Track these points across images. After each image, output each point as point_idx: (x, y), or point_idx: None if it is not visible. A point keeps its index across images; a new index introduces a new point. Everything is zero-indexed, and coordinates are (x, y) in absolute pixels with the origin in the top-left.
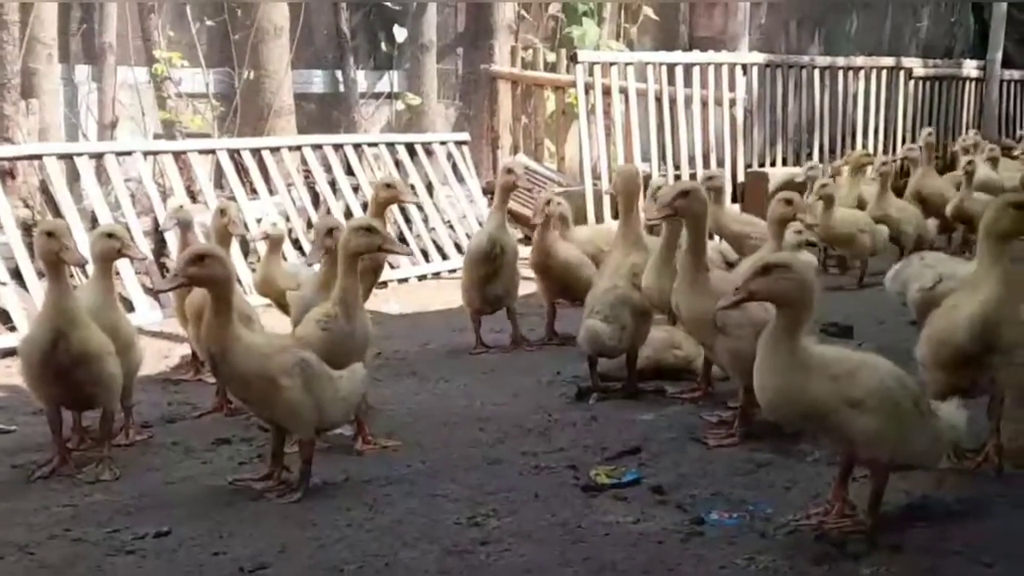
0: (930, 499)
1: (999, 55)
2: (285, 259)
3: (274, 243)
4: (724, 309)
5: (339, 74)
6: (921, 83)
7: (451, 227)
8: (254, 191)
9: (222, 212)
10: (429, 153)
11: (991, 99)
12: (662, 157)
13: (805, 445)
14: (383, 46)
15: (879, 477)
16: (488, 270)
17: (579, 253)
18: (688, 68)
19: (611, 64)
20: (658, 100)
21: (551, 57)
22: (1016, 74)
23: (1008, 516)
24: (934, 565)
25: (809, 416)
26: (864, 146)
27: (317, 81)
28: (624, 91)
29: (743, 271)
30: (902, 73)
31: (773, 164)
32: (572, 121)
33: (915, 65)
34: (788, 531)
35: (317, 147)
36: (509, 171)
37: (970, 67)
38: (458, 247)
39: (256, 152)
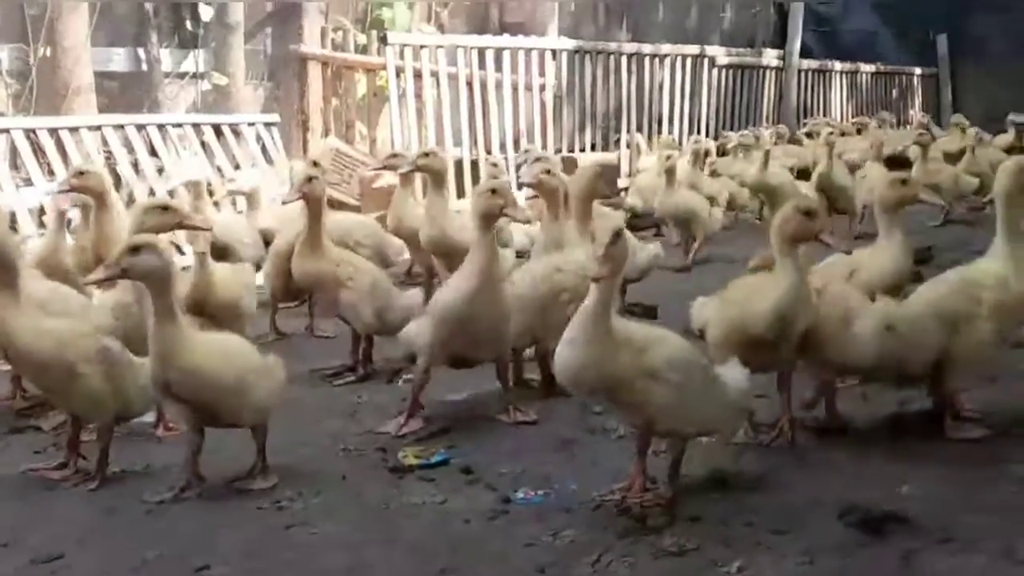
0: (728, 472)
1: (797, 45)
2: None
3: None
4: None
5: (141, 52)
6: (724, 71)
7: None
8: (51, 173)
9: None
10: (237, 135)
11: (790, 88)
12: (473, 141)
13: (610, 423)
14: (188, 24)
15: (677, 449)
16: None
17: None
18: (499, 52)
19: (422, 47)
20: (469, 84)
21: (362, 39)
22: (814, 64)
23: (800, 486)
24: (730, 535)
25: (611, 388)
26: (670, 132)
27: (118, 59)
28: (435, 74)
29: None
30: (706, 61)
31: (583, 150)
32: (384, 104)
33: (718, 54)
34: (593, 507)
35: (119, 127)
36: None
37: (771, 56)
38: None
39: (54, 132)
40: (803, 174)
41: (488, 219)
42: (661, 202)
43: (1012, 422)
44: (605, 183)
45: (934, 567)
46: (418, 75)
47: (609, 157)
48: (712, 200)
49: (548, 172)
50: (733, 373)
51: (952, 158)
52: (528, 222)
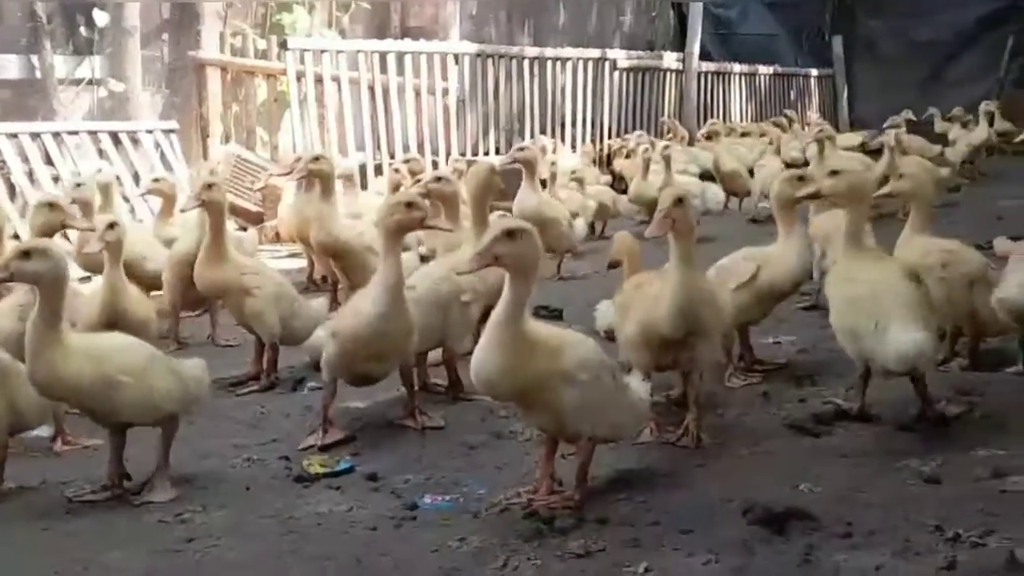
0: (634, 472)
1: (697, 48)
2: None
3: None
4: (464, 273)
5: (35, 58)
6: (625, 74)
7: None
8: None
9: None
10: (135, 142)
11: (690, 90)
12: (376, 146)
13: (516, 426)
14: (83, 30)
15: (585, 451)
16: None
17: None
18: (400, 57)
19: (322, 52)
20: (371, 89)
21: (262, 44)
22: (713, 66)
23: (705, 485)
24: (637, 535)
25: (526, 391)
26: (573, 136)
27: (10, 66)
28: (336, 79)
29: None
30: (607, 64)
31: (487, 153)
32: (285, 109)
33: (619, 57)
34: (500, 510)
35: (12, 136)
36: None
37: (671, 59)
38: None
39: None
40: (706, 176)
41: (399, 233)
42: (520, 209)
43: (907, 414)
44: (502, 183)
45: (834, 562)
46: (319, 80)
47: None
48: (583, 210)
49: (439, 180)
50: (636, 381)
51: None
52: (451, 231)
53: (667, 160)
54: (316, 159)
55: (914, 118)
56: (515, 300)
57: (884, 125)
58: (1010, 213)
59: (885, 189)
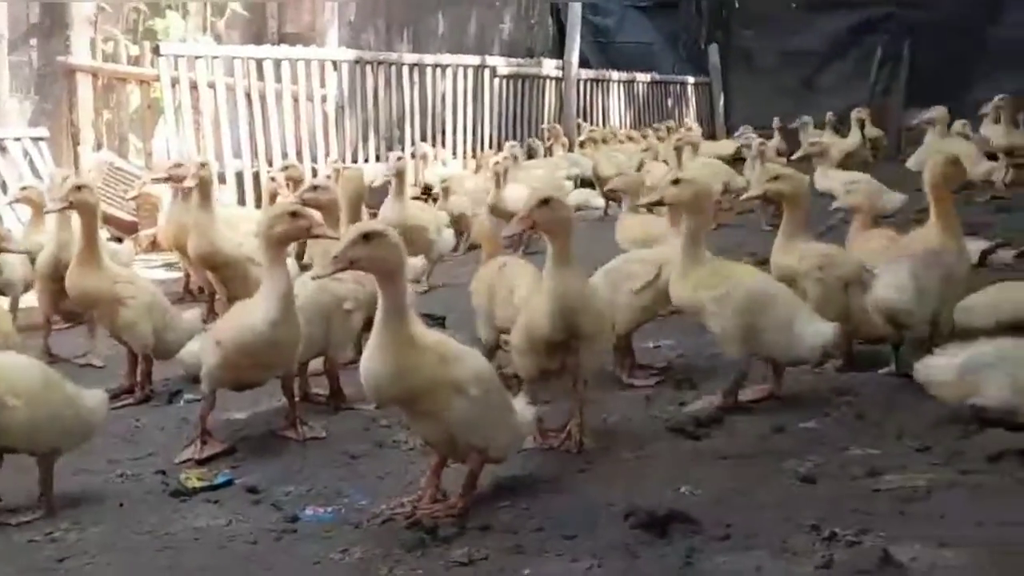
0: (517, 479)
1: (576, 56)
2: None
3: None
4: (319, 278)
5: None
6: (505, 81)
7: None
8: None
9: None
10: (3, 150)
11: (570, 97)
12: (254, 153)
13: (399, 435)
14: None
15: (476, 461)
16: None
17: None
18: (277, 63)
19: (197, 58)
20: (248, 95)
21: (135, 50)
22: (592, 73)
23: (587, 490)
24: (520, 542)
25: (415, 397)
26: (453, 142)
27: None
28: (212, 86)
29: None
30: (487, 71)
31: (367, 160)
32: (159, 116)
33: (499, 64)
34: (383, 521)
35: None
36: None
37: (550, 66)
38: None
39: None
40: (586, 183)
41: (284, 243)
42: (384, 216)
43: (787, 418)
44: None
45: (715, 563)
46: (194, 87)
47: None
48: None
49: (315, 188)
50: (520, 404)
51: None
52: (337, 239)
53: (503, 173)
54: (203, 165)
55: (777, 127)
56: (389, 303)
57: (736, 134)
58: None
59: (760, 191)
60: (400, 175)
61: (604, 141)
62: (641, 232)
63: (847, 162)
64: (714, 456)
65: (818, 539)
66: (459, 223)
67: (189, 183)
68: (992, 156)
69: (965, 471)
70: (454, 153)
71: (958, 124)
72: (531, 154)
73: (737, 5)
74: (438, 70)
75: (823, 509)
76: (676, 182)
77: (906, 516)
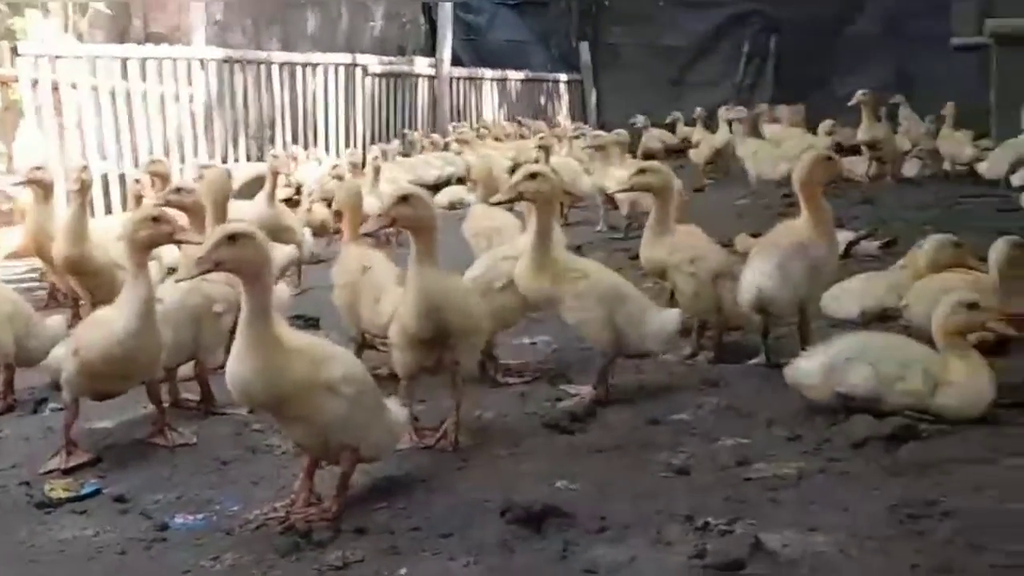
0: (392, 479)
1: (448, 53)
2: None
3: None
4: (184, 280)
5: None
6: (377, 79)
7: None
8: None
9: None
10: None
11: (442, 95)
12: (120, 154)
13: (272, 440)
14: None
15: (348, 462)
16: None
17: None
18: (143, 63)
19: (58, 58)
20: (112, 95)
21: None
22: (464, 71)
23: (464, 488)
24: (396, 543)
25: (284, 400)
26: (326, 142)
27: None
28: (75, 86)
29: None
30: (358, 70)
31: (236, 160)
32: (20, 118)
33: (371, 62)
34: (255, 526)
35: None
36: None
37: (423, 64)
38: None
39: None
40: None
41: (147, 248)
42: (254, 216)
43: (660, 410)
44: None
45: (590, 556)
46: (56, 87)
47: (263, 168)
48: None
49: (179, 191)
50: (394, 405)
51: None
52: (200, 243)
53: (376, 170)
54: (84, 168)
55: (641, 126)
56: (254, 305)
57: (588, 136)
58: (748, 211)
59: (628, 184)
60: (274, 176)
61: (480, 138)
62: (487, 224)
63: (716, 158)
64: (589, 450)
65: (691, 529)
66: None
67: (72, 187)
68: (856, 150)
69: (832, 458)
70: (327, 151)
71: (826, 124)
72: (407, 152)
73: (607, 2)
74: (308, 69)
75: (696, 499)
76: (533, 176)
77: (776, 504)
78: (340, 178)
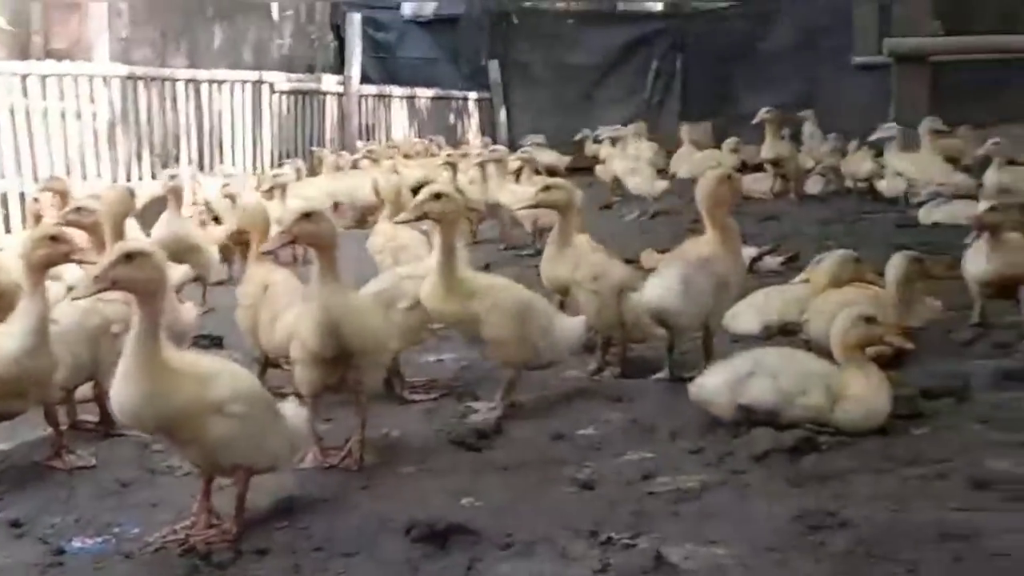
0: (295, 499)
1: (356, 71)
2: None
3: None
4: (79, 298)
5: None
6: (285, 97)
7: None
8: None
9: None
10: None
11: (350, 113)
12: (19, 172)
13: (172, 460)
14: None
15: (242, 482)
16: None
17: None
18: (43, 79)
19: None
20: (12, 113)
21: None
22: (373, 89)
23: (368, 507)
24: (297, 563)
25: (173, 423)
26: (232, 159)
27: None
28: None
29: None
30: (265, 87)
31: (140, 179)
32: None
33: (278, 79)
34: (155, 549)
35: None
36: None
37: (331, 82)
38: None
39: None
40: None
41: (45, 267)
42: (158, 236)
43: (566, 426)
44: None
45: (496, 573)
46: None
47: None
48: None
49: (78, 210)
50: (291, 409)
51: None
52: (95, 263)
53: (282, 188)
54: None
55: (541, 143)
56: (144, 326)
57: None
58: (652, 227)
59: (533, 200)
60: (177, 194)
61: (389, 157)
62: (390, 241)
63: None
64: (495, 467)
65: (596, 544)
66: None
67: None
68: (760, 167)
69: (735, 471)
70: (233, 165)
71: (730, 141)
72: (314, 170)
73: (516, 21)
74: (214, 86)
75: (600, 514)
76: (437, 196)
77: (679, 517)
78: (231, 197)
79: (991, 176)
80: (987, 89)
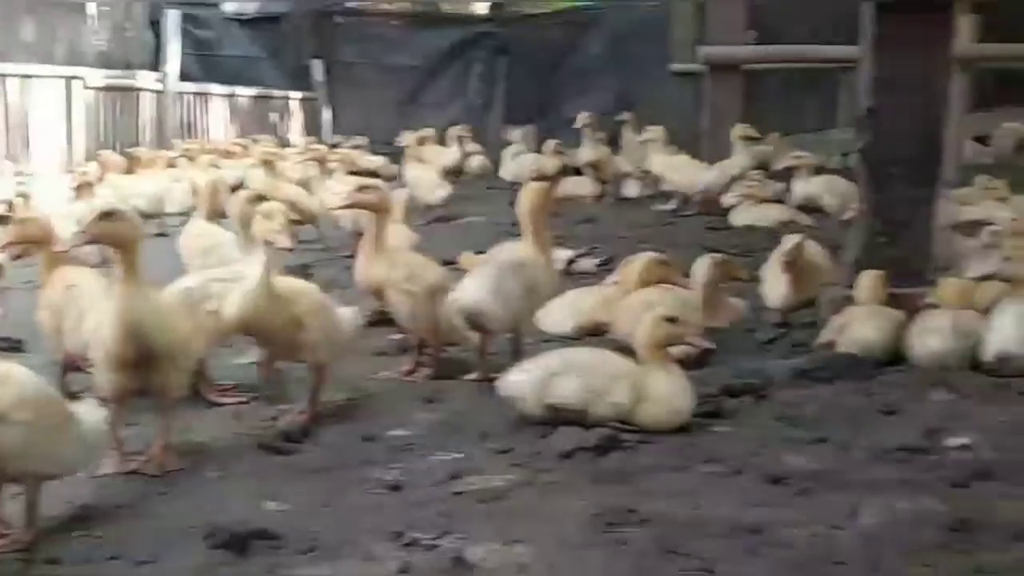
0: (92, 507)
1: (174, 67)
2: None
3: None
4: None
5: None
6: (99, 93)
7: None
8: None
9: None
10: None
11: (168, 110)
12: None
13: None
14: None
15: (31, 489)
16: None
17: None
18: None
19: None
20: None
21: None
22: (192, 87)
23: (168, 513)
24: (93, 573)
25: None
26: (42, 157)
27: None
28: None
29: None
30: (77, 83)
31: None
32: None
33: (92, 75)
34: None
35: None
36: None
37: (148, 79)
38: None
39: None
40: None
41: None
42: None
43: (377, 427)
44: None
45: None
46: None
47: None
48: None
49: None
50: (89, 409)
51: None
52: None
53: (89, 186)
54: None
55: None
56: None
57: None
58: (475, 230)
59: (348, 200)
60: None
61: (208, 154)
62: (200, 241)
63: (447, 176)
64: (302, 470)
65: (399, 545)
66: None
67: None
68: (579, 171)
69: (541, 469)
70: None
71: (548, 144)
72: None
73: (340, 21)
74: (21, 81)
75: (407, 515)
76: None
77: (484, 517)
78: (24, 196)
79: (799, 186)
80: (792, 98)
